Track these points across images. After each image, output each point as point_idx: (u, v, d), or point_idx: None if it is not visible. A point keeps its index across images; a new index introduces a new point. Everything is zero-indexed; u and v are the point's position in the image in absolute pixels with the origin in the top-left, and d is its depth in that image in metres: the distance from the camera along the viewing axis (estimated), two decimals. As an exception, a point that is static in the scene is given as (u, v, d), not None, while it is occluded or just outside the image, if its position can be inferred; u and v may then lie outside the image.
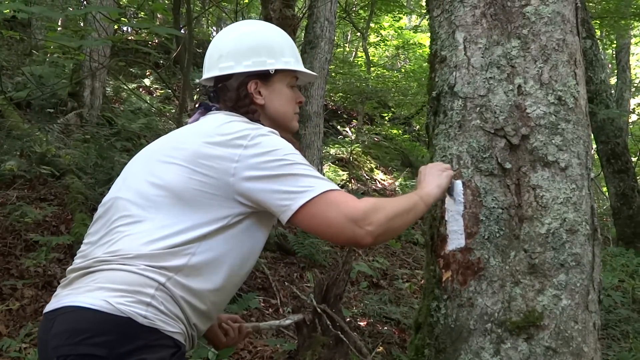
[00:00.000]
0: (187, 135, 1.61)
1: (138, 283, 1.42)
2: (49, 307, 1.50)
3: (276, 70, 1.72)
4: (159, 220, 1.48)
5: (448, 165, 1.83)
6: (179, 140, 1.59)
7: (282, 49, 1.76)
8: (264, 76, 1.72)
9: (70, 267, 1.55)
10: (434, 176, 1.76)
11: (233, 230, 1.55)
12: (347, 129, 13.72)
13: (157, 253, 1.45)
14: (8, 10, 4.68)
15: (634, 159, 9.72)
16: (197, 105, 1.78)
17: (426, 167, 1.83)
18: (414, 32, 17.68)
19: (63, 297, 1.47)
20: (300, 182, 1.49)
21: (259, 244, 1.67)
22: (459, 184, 1.82)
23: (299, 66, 1.79)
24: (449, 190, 1.82)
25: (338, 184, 9.89)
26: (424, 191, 1.71)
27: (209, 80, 1.81)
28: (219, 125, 1.57)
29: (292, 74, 1.78)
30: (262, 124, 1.66)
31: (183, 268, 1.47)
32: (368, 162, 11.94)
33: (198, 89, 9.22)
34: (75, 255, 1.59)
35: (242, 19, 12.44)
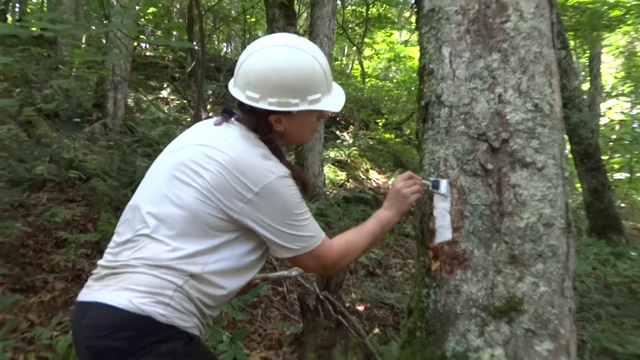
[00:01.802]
0: (207, 157, 1.55)
1: (159, 286, 1.47)
2: (82, 297, 1.55)
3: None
4: (175, 234, 1.51)
5: (417, 187, 1.86)
6: (199, 163, 1.55)
7: (311, 85, 1.60)
8: (286, 112, 1.60)
9: (101, 262, 1.59)
10: (398, 200, 1.84)
11: (239, 240, 1.59)
12: (345, 134, 13.73)
13: (175, 261, 1.49)
14: (35, 29, 4.71)
15: (604, 158, 9.72)
16: (223, 111, 1.71)
17: (397, 185, 1.87)
18: (404, 46, 17.66)
19: (95, 292, 1.52)
20: (294, 242, 1.60)
21: (264, 247, 1.67)
22: (445, 181, 1.84)
23: (324, 103, 1.65)
24: (436, 186, 1.85)
25: (337, 183, 9.92)
26: (385, 218, 1.83)
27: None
28: (237, 160, 1.53)
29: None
30: (276, 144, 1.66)
31: (198, 275, 1.52)
32: (364, 163, 11.94)
33: (211, 100, 9.24)
34: (104, 250, 1.63)
35: (250, 37, 12.46)
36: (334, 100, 1.70)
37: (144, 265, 1.49)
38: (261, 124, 1.63)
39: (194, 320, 1.54)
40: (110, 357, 1.43)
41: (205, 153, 1.56)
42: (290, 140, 1.75)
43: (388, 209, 1.85)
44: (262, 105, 1.59)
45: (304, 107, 1.61)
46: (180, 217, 1.51)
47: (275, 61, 1.58)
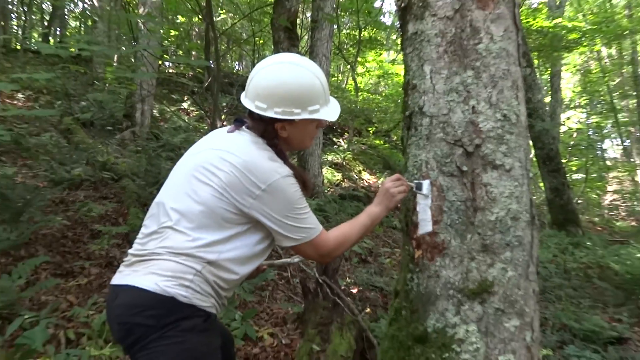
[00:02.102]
0: (221, 159, 1.56)
1: (181, 271, 1.48)
2: (114, 281, 1.57)
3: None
4: (195, 226, 1.52)
5: (403, 188, 1.86)
6: (214, 164, 1.56)
7: (311, 98, 1.62)
8: (290, 120, 1.62)
9: (131, 251, 1.60)
10: (386, 198, 1.85)
11: (249, 232, 1.60)
12: (341, 140, 13.71)
13: (195, 249, 1.50)
14: (74, 49, 4.71)
15: (564, 161, 9.73)
16: (235, 120, 1.72)
17: (386, 185, 1.87)
18: (391, 64, 17.64)
19: (125, 276, 1.53)
20: (295, 233, 1.61)
21: (271, 237, 1.68)
22: (427, 182, 1.84)
23: (322, 113, 1.66)
24: (419, 187, 1.84)
25: (334, 183, 9.90)
26: (375, 213, 1.84)
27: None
28: (247, 161, 1.54)
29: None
30: (280, 148, 1.67)
31: (214, 261, 1.52)
32: (357, 165, 11.92)
33: (225, 110, 9.23)
34: (133, 240, 1.64)
35: (258, 56, 12.43)
36: (330, 111, 1.71)
37: (168, 253, 1.50)
38: (268, 130, 1.64)
39: (211, 301, 1.55)
40: (139, 332, 1.44)
41: (220, 156, 1.57)
42: (293, 145, 1.74)
43: (377, 205, 1.85)
44: (269, 113, 1.60)
45: (304, 115, 1.62)
46: (199, 212, 1.52)
47: (280, 76, 1.60)
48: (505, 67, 1.82)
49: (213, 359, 1.54)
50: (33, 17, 17.53)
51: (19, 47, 12.74)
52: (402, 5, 2.02)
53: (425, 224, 1.81)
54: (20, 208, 4.03)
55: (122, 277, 1.53)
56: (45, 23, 18.04)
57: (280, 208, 1.56)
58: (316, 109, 1.64)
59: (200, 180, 1.55)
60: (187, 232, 1.51)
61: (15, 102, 8.42)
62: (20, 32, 16.20)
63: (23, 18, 16.43)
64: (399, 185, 1.85)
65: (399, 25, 2.10)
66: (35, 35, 17.84)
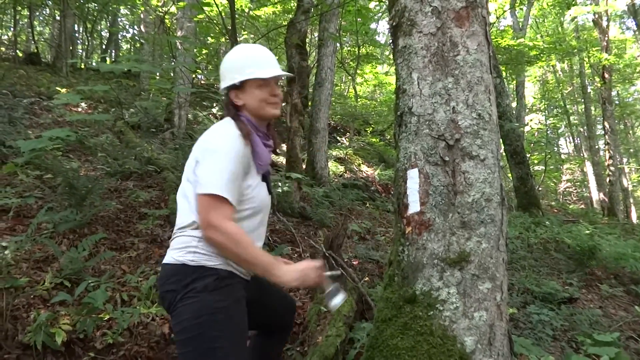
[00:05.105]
0: (195, 146, 1.59)
1: (186, 241, 1.51)
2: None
3: (242, 81, 1.58)
4: (190, 204, 1.54)
5: (317, 281, 1.57)
6: (193, 152, 1.58)
7: (246, 64, 1.58)
8: (237, 87, 1.60)
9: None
10: (301, 274, 1.51)
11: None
12: (343, 138, 13.65)
13: (193, 223, 1.52)
14: (125, 67, 4.73)
15: (527, 155, 9.67)
16: None
17: (307, 268, 1.55)
18: (385, 75, 17.51)
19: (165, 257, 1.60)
20: (204, 178, 1.44)
21: (245, 209, 1.54)
22: (340, 293, 1.61)
23: (255, 74, 1.57)
24: (328, 295, 1.58)
25: (338, 174, 9.87)
26: (274, 270, 1.45)
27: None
28: (202, 139, 1.57)
29: (256, 79, 1.59)
30: (247, 117, 1.61)
31: None
32: (357, 159, 11.86)
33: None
34: (173, 222, 1.72)
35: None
36: (264, 72, 1.60)
37: (178, 231, 1.55)
38: (229, 105, 1.63)
39: (220, 259, 1.49)
40: (169, 297, 1.49)
41: (196, 144, 1.60)
42: (255, 112, 1.62)
43: (285, 273, 1.47)
44: (223, 85, 1.63)
45: (242, 77, 1.58)
46: (189, 191, 1.55)
47: (227, 56, 1.67)
48: (479, 75, 1.79)
49: (229, 312, 1.46)
50: (94, 42, 17.69)
51: (83, 66, 12.81)
52: (394, 24, 1.99)
53: (414, 205, 1.80)
54: (84, 195, 4.06)
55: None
56: (104, 46, 18.21)
57: (208, 154, 1.49)
58: (252, 71, 1.58)
59: (189, 164, 1.58)
60: (185, 211, 1.55)
61: (79, 109, 8.46)
62: (83, 54, 16.36)
63: (86, 43, 16.60)
64: (316, 276, 1.57)
65: (391, 41, 2.07)
66: (96, 56, 17.97)
